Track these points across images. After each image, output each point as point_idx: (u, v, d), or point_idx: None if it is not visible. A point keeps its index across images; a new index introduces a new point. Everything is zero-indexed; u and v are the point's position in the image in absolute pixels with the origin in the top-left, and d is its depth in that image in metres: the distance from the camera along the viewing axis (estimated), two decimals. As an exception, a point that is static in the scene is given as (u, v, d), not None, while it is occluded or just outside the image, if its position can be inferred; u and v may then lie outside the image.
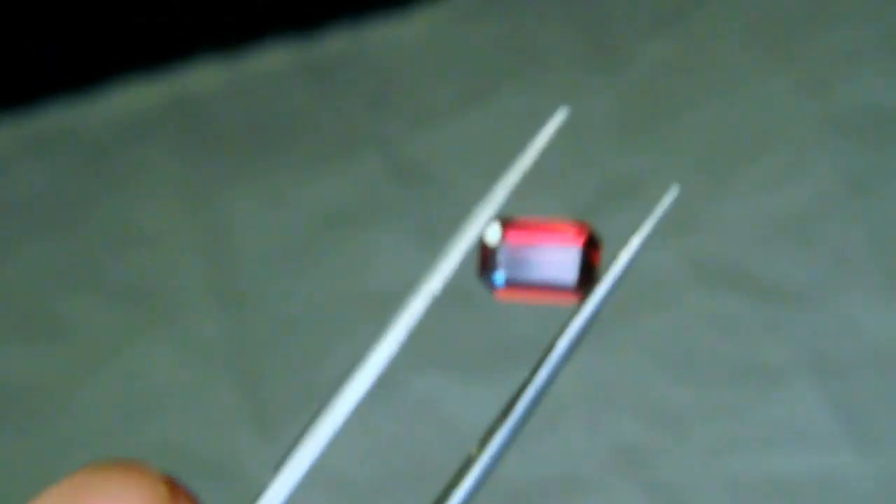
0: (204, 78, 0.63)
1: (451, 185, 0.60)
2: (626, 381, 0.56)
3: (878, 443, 0.54)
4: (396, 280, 0.56)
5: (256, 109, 0.63)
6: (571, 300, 0.22)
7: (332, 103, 0.63)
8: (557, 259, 0.22)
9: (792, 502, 0.54)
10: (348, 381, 0.22)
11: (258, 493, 0.21)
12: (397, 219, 0.60)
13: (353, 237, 0.60)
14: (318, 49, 0.64)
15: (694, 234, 0.58)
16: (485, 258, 0.22)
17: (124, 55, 0.63)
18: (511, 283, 0.22)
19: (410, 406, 0.56)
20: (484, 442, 0.22)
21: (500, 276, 0.22)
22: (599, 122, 0.60)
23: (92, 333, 0.59)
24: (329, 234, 0.60)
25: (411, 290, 0.22)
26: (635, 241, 0.22)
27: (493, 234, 0.22)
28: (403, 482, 0.54)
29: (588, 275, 0.22)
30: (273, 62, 0.63)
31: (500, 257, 0.22)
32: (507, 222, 0.22)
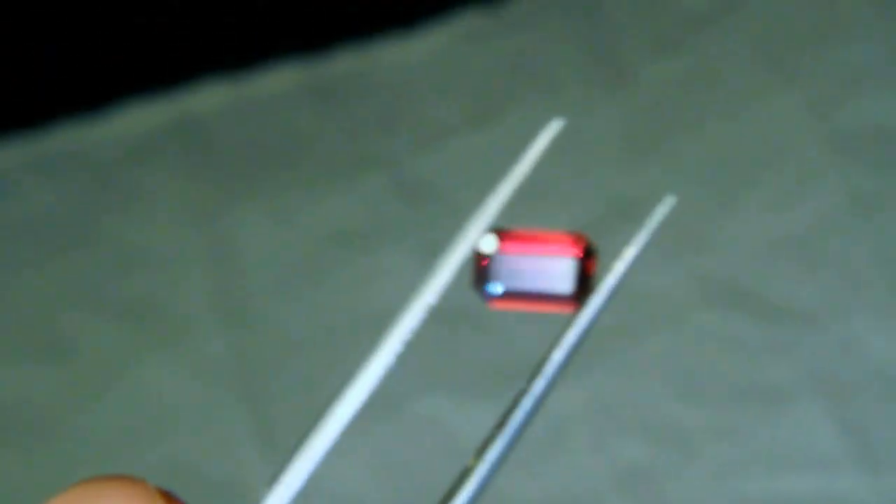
0: (210, 99, 0.63)
1: (457, 204, 0.60)
2: (632, 402, 0.56)
3: (884, 463, 0.53)
4: (402, 299, 0.55)
5: (262, 130, 0.63)
6: (567, 310, 0.22)
7: (338, 123, 0.63)
8: (553, 269, 0.22)
9: (798, 523, 0.53)
10: (345, 393, 0.22)
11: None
12: (403, 238, 0.60)
13: (359, 256, 0.60)
14: (324, 69, 0.64)
15: (700, 253, 0.58)
16: (480, 268, 0.22)
17: (130, 76, 0.63)
18: (507, 293, 0.22)
19: (414, 425, 0.55)
20: (481, 452, 0.22)
21: (495, 287, 0.22)
22: (605, 140, 0.60)
23: (98, 353, 0.59)
24: (335, 253, 0.60)
25: (407, 302, 0.22)
26: (630, 252, 0.22)
27: (489, 245, 0.22)
28: (407, 500, 0.54)
29: (584, 285, 0.22)
30: (279, 83, 0.64)
31: (496, 267, 0.22)
32: (502, 233, 0.22)
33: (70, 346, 0.59)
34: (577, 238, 0.22)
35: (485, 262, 0.22)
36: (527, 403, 0.22)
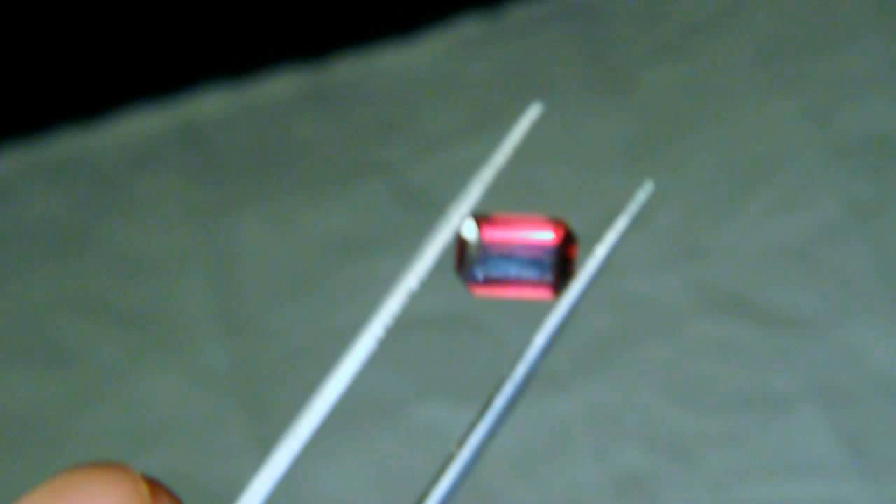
0: (210, 105, 0.63)
1: (456, 211, 0.60)
2: (632, 409, 0.56)
3: (884, 471, 0.53)
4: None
5: (263, 136, 0.63)
6: (548, 296, 0.22)
7: (338, 130, 0.63)
8: (534, 254, 0.22)
9: (797, 529, 0.53)
10: (327, 379, 0.22)
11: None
12: (403, 244, 0.60)
13: (359, 262, 0.60)
14: (324, 76, 0.64)
15: (699, 260, 0.58)
16: (462, 254, 0.22)
17: (131, 83, 0.64)
18: (488, 279, 0.22)
19: (411, 432, 0.55)
20: (463, 439, 0.22)
21: (477, 272, 0.22)
22: (605, 146, 0.60)
23: (97, 360, 0.59)
24: (335, 259, 0.60)
25: (389, 288, 0.22)
26: (610, 237, 0.22)
27: (471, 230, 0.22)
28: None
29: (564, 270, 0.22)
30: (280, 89, 0.64)
31: (478, 253, 0.22)
32: (483, 219, 0.22)
33: (70, 352, 0.59)
34: (558, 224, 0.22)
35: (466, 248, 0.22)
36: (508, 389, 0.22)
